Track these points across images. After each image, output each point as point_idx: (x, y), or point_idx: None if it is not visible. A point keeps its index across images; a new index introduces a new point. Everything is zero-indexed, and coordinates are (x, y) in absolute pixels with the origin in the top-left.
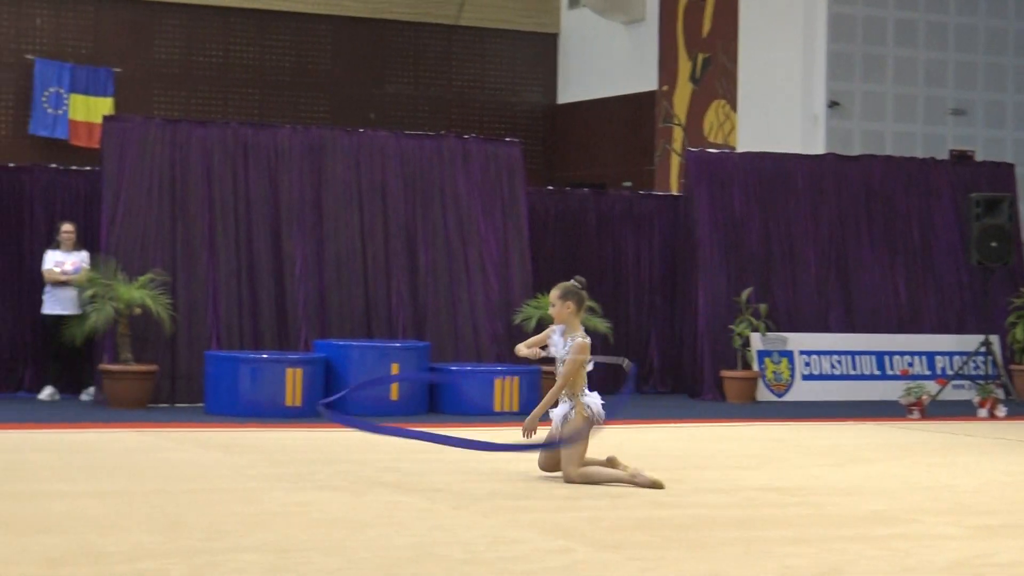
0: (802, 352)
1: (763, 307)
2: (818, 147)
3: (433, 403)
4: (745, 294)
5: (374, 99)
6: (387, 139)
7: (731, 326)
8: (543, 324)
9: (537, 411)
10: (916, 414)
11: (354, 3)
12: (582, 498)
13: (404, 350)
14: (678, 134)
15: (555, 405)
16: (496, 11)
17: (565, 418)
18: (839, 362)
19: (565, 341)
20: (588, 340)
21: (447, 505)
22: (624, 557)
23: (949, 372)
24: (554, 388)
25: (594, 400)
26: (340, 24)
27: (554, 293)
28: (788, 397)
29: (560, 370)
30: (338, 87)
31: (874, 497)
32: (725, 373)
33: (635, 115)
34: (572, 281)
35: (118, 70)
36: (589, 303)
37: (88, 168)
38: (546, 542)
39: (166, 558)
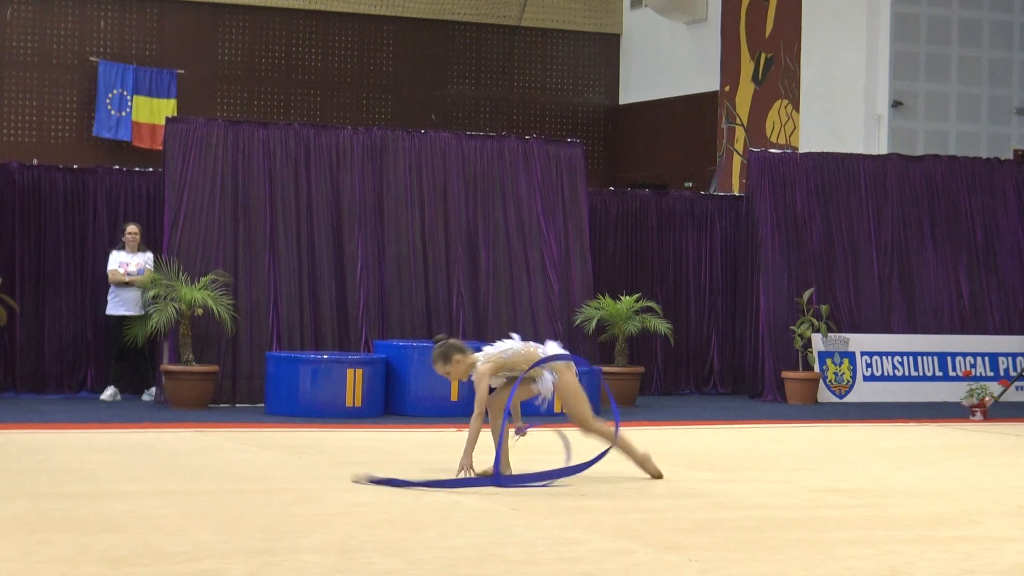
0: (864, 353)
1: (825, 308)
2: (881, 147)
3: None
4: (807, 295)
5: (436, 100)
6: (448, 140)
7: (792, 327)
8: (603, 326)
9: (466, 451)
10: (979, 416)
11: (416, 4)
12: (642, 499)
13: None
14: (740, 134)
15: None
16: (558, 12)
17: (554, 389)
18: (901, 363)
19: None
20: (481, 361)
21: (506, 506)
22: (684, 558)
23: (1012, 373)
24: (472, 423)
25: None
26: (402, 25)
27: (437, 367)
28: (849, 398)
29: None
30: (400, 88)
31: (936, 499)
32: (786, 374)
33: (697, 115)
34: (436, 346)
35: (181, 72)
36: (460, 343)
37: (151, 170)
38: (605, 543)
39: (226, 558)
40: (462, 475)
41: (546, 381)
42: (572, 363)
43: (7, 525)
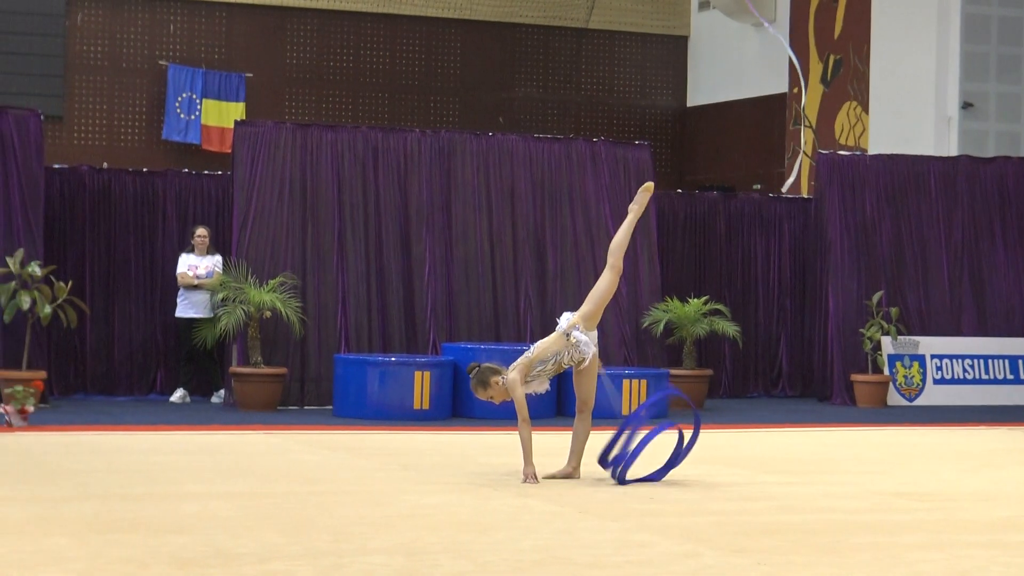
0: (933, 356)
1: (894, 310)
2: (951, 149)
3: (560, 406)
4: (876, 297)
5: (503, 103)
6: (516, 143)
7: (861, 330)
8: (671, 328)
9: (526, 459)
10: None
11: (484, 7)
12: (710, 502)
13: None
14: (808, 136)
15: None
16: (626, 14)
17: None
18: (971, 366)
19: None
20: (510, 374)
21: (573, 508)
22: (752, 562)
23: None
24: (520, 431)
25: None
26: (469, 28)
27: (478, 394)
28: (919, 401)
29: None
30: (467, 91)
31: (1006, 503)
32: (855, 377)
33: (765, 117)
34: (472, 376)
35: (250, 75)
36: (493, 365)
37: (220, 173)
38: (673, 546)
39: (294, 560)
40: (528, 484)
41: (587, 346)
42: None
43: (76, 526)
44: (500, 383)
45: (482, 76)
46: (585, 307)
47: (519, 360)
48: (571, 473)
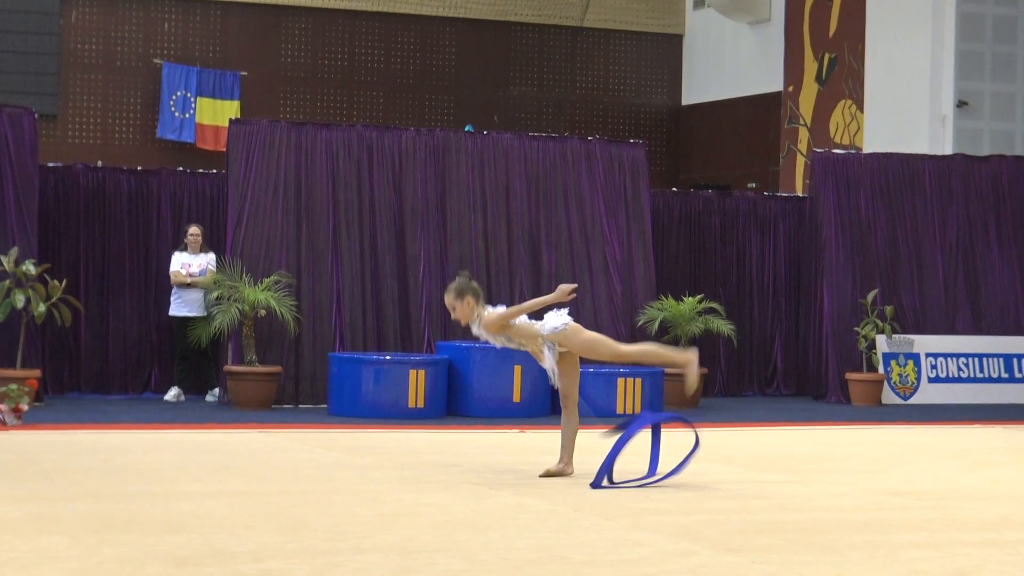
0: (928, 354)
1: (889, 309)
2: (946, 147)
3: (556, 404)
4: (871, 296)
5: (498, 101)
6: (511, 141)
7: (856, 328)
8: (666, 327)
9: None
10: None
11: (479, 6)
12: (705, 501)
13: (527, 352)
14: (803, 135)
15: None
16: (621, 12)
17: (555, 364)
18: (966, 365)
19: (478, 331)
20: (492, 309)
21: (568, 507)
22: (748, 560)
23: None
24: (523, 308)
25: (550, 322)
26: (464, 27)
27: (448, 297)
28: (914, 400)
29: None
30: (462, 90)
31: (1002, 501)
32: (850, 375)
33: (760, 116)
34: (460, 277)
35: (244, 74)
36: (479, 291)
37: (214, 171)
38: (669, 544)
39: (290, 558)
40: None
41: (547, 359)
42: (579, 325)
43: (72, 525)
44: (470, 307)
45: (477, 74)
46: (571, 342)
47: (504, 311)
48: (564, 469)
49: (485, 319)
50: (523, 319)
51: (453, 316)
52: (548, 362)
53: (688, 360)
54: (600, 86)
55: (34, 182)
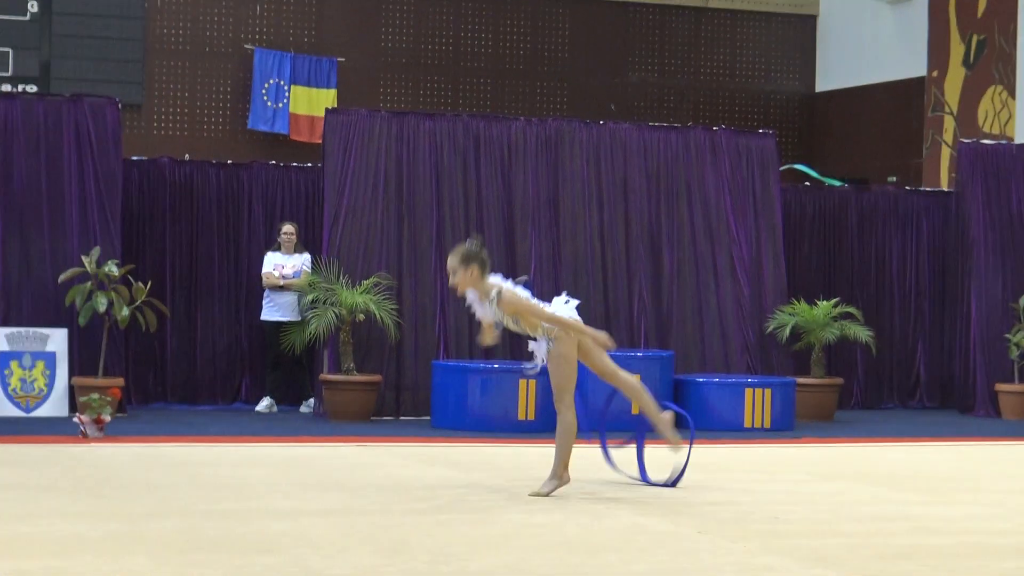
0: None
1: None
2: None
3: (677, 418)
4: (1023, 300)
5: (615, 89)
6: (629, 132)
7: (1007, 335)
8: (797, 333)
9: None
10: None
11: None
12: (841, 522)
13: (647, 360)
14: (949, 124)
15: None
16: None
17: (548, 355)
18: None
19: (485, 304)
20: (505, 284)
21: (691, 528)
22: None
23: None
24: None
25: (559, 309)
26: (579, 8)
27: (452, 260)
28: None
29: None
30: (576, 76)
31: None
32: (1000, 387)
33: (901, 104)
34: (468, 243)
35: (342, 60)
36: (487, 261)
37: (309, 165)
38: (801, 570)
39: None
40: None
41: (540, 348)
42: (573, 334)
43: (157, 545)
44: (472, 278)
45: (592, 60)
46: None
47: (529, 302)
48: (561, 481)
49: (507, 296)
50: (539, 307)
51: (451, 281)
52: (540, 352)
53: (662, 419)
54: (726, 72)
55: (117, 177)
